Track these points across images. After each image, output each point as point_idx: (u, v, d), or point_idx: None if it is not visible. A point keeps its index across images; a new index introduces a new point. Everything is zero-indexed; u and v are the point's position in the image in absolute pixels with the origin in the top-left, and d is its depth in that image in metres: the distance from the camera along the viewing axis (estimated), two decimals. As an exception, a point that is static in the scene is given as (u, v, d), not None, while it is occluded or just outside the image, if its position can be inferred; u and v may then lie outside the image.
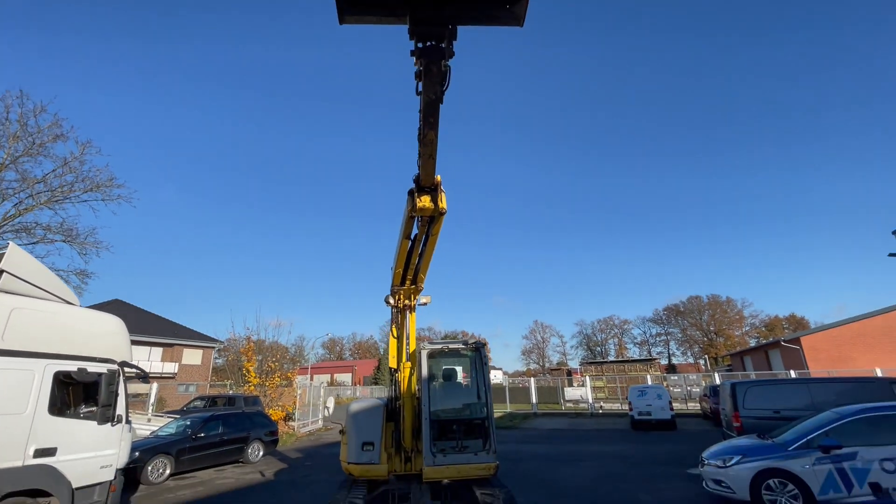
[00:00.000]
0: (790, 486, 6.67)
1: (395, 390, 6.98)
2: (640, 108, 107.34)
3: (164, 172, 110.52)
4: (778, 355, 39.13)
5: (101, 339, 7.04)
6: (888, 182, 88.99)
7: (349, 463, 6.47)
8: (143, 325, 30.71)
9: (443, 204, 5.71)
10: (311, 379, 27.88)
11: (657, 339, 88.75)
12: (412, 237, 6.28)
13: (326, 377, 65.00)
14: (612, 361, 44.48)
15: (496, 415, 24.89)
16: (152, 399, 18.71)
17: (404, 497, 6.51)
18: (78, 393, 6.78)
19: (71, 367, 6.38)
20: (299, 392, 19.90)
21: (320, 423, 22.76)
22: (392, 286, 7.26)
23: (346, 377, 73.37)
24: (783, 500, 6.67)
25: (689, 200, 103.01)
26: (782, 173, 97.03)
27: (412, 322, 7.47)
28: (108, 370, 6.84)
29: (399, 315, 7.41)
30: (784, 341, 38.47)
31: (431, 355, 6.83)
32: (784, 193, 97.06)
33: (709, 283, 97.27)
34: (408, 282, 7.14)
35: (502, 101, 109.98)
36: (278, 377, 19.77)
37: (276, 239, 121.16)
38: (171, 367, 31.60)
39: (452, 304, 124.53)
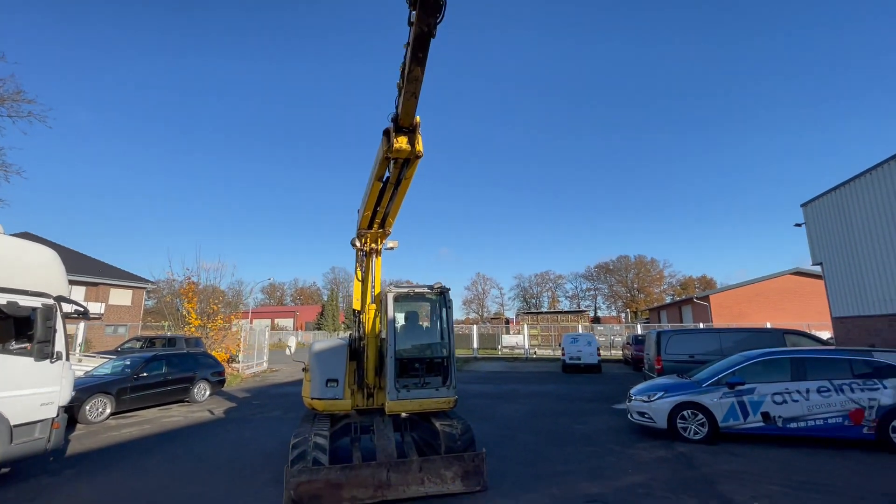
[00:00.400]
0: (700, 416, 7.85)
1: (359, 331, 7.13)
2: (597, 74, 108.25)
3: (84, 96, 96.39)
4: (689, 310, 43.98)
5: (34, 271, 6.42)
6: (795, 155, 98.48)
7: (313, 398, 6.64)
8: (64, 261, 27.86)
9: (419, 147, 5.64)
10: (252, 322, 27.15)
11: (587, 293, 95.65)
12: (384, 180, 6.20)
13: (267, 322, 63.89)
14: (546, 312, 47.68)
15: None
16: (80, 339, 17.46)
17: (366, 429, 6.87)
18: (9, 328, 6.24)
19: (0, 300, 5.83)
20: (243, 335, 19.52)
21: (265, 364, 22.66)
22: (358, 229, 7.19)
23: (287, 322, 72.53)
24: (693, 427, 7.86)
25: (625, 164, 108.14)
26: (707, 153, 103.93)
27: (378, 266, 7.51)
28: (43, 304, 6.32)
29: (365, 258, 7.41)
30: (696, 299, 43.18)
31: (397, 298, 6.99)
32: (707, 173, 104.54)
33: (638, 244, 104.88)
34: (375, 225, 7.10)
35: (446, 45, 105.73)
36: (221, 319, 19.18)
37: (214, 181, 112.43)
38: (96, 308, 29.36)
39: (399, 254, 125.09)
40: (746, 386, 7.72)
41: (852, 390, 7.22)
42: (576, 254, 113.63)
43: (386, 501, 5.27)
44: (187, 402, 12.46)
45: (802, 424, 7.35)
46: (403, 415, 6.85)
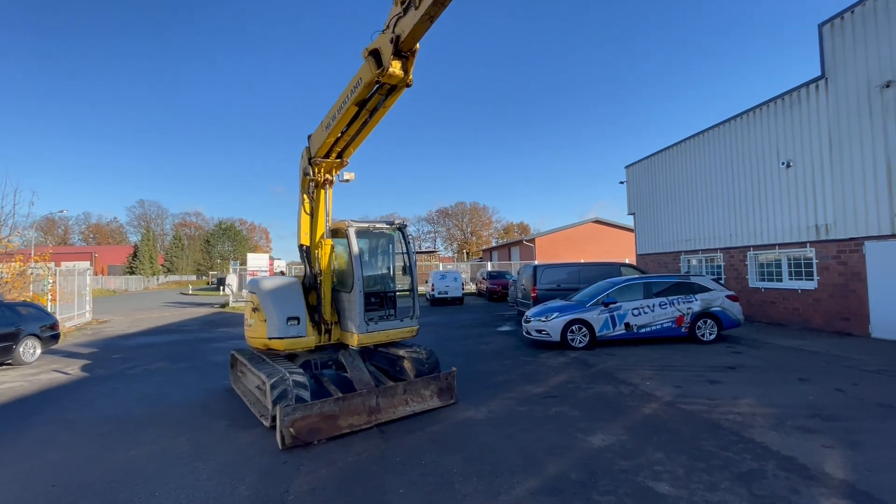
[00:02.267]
0: (584, 329, 10.02)
1: (312, 267, 6.70)
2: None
3: None
4: (518, 251, 51.38)
5: None
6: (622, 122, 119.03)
7: (271, 338, 6.15)
8: None
9: (411, 76, 5.46)
10: (59, 265, 20.74)
11: (427, 235, 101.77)
12: (362, 105, 5.79)
13: (86, 264, 49.70)
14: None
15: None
16: None
17: (325, 364, 6.77)
18: None
19: None
20: (54, 280, 15.24)
21: (88, 315, 18.41)
22: (313, 157, 6.57)
23: (82, 266, 57.84)
24: (578, 338, 10.01)
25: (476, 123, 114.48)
26: (546, 121, 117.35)
27: (329, 199, 7.00)
28: None
29: (315, 189, 6.84)
30: (525, 240, 50.52)
31: (359, 233, 6.77)
32: (546, 138, 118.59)
33: (474, 190, 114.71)
34: (333, 154, 6.61)
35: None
36: (19, 261, 14.48)
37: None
38: None
39: (223, 190, 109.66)
40: (616, 304, 10.12)
41: (678, 303, 10.21)
42: (420, 199, 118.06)
43: (380, 424, 5.53)
44: (10, 364, 9.63)
45: (649, 329, 10.13)
46: (370, 346, 6.93)
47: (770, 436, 4.79)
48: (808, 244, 11.96)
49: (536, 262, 13.06)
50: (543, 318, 10.29)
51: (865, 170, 10.43)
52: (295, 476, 4.21)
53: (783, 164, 12.48)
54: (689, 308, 10.19)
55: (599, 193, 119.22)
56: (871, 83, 10.23)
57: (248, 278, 6.27)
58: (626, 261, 23.03)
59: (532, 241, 48.61)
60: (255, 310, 6.37)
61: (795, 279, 12.45)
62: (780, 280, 12.86)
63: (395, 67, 5.24)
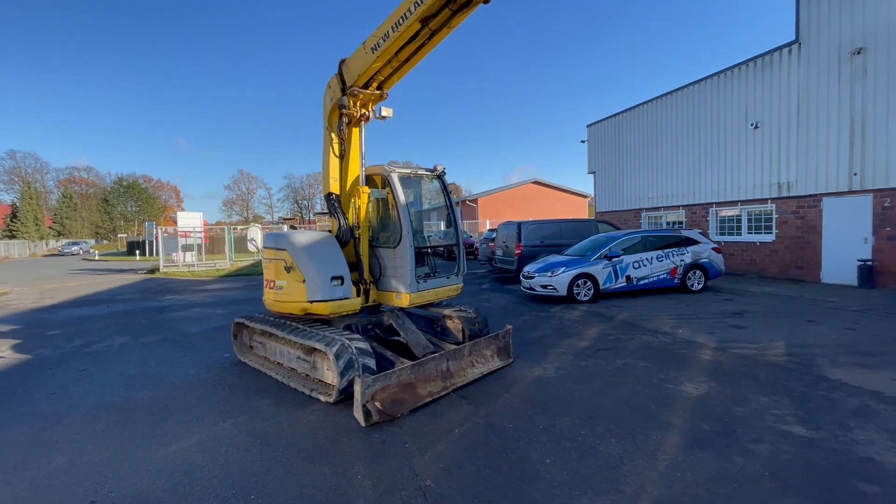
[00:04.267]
0: (588, 283, 10.10)
1: (344, 219, 5.72)
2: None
3: None
4: (460, 210, 51.53)
5: None
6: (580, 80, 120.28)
7: (314, 301, 5.21)
8: None
9: None
10: None
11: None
12: (425, 22, 4.84)
13: None
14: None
15: (245, 263, 23.04)
16: None
17: (366, 329, 5.99)
18: None
19: None
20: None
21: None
22: (350, 86, 5.47)
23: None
24: (584, 291, 10.09)
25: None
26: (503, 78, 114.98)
27: (362, 139, 5.94)
28: None
29: (347, 127, 5.77)
30: (468, 200, 50.59)
31: (402, 180, 5.89)
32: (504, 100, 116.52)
33: (403, 150, 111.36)
34: (374, 84, 5.57)
35: None
36: None
37: None
38: None
39: (114, 141, 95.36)
40: (619, 258, 10.29)
41: (673, 255, 10.65)
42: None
43: (455, 389, 5.02)
44: None
45: (646, 281, 10.49)
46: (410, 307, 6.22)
47: (839, 373, 5.07)
48: (769, 200, 13.05)
49: (520, 220, 12.90)
50: (549, 273, 10.18)
51: (830, 131, 11.39)
52: (410, 456, 3.61)
53: (752, 124, 13.29)
54: (681, 260, 10.68)
55: (523, 158, 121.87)
56: (843, 49, 11.00)
57: (261, 234, 5.16)
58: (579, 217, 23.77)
59: (475, 200, 48.77)
60: (287, 269, 5.32)
61: (755, 233, 13.64)
62: (740, 234, 14.02)
63: (479, -24, 4.39)
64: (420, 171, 6.25)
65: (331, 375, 4.81)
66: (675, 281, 10.67)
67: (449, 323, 6.50)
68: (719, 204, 14.68)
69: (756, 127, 13.20)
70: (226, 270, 20.67)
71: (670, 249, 10.68)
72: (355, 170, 5.98)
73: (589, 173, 21.60)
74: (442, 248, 6.53)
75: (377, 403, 4.24)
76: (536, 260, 12.04)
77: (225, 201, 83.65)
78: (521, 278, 11.03)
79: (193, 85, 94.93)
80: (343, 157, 5.91)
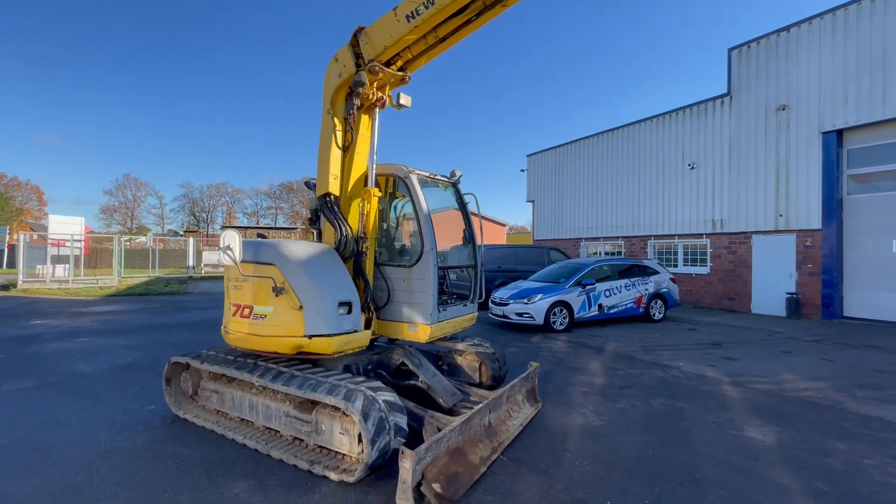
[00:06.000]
0: (564, 311, 9.66)
1: (347, 228, 4.42)
2: None
3: None
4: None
5: None
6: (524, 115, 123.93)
7: (316, 336, 3.79)
8: None
9: None
10: None
11: (267, 211, 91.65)
12: None
13: None
14: (262, 227, 42.91)
15: (138, 280, 19.26)
16: None
17: (370, 368, 4.65)
18: None
19: None
20: None
21: None
22: (371, 60, 4.33)
23: None
24: (560, 319, 9.60)
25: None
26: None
27: (375, 131, 4.73)
28: None
29: (357, 113, 4.57)
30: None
31: (422, 184, 4.78)
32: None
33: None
34: (399, 62, 4.51)
35: None
36: None
37: None
38: None
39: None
40: (592, 285, 10.04)
41: (638, 284, 10.72)
42: (259, 169, 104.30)
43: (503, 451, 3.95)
44: None
45: (616, 310, 10.37)
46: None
47: (872, 409, 4.98)
48: (704, 235, 14.08)
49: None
50: (526, 300, 9.56)
51: (758, 176, 12.65)
52: (514, 571, 2.47)
53: (689, 165, 14.39)
54: (645, 289, 10.80)
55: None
56: (769, 105, 12.39)
57: (240, 242, 3.65)
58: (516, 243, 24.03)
59: (399, 223, 47.76)
60: (277, 290, 3.85)
61: (691, 265, 14.59)
62: (676, 266, 14.92)
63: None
64: (437, 176, 5.22)
65: (347, 442, 3.45)
66: (640, 310, 10.72)
67: (459, 359, 5.42)
68: (657, 237, 15.59)
69: (692, 167, 14.32)
70: (112, 289, 16.91)
71: (636, 278, 10.76)
72: (361, 166, 4.76)
73: (528, 201, 22.00)
74: (462, 270, 5.47)
75: (435, 485, 3.02)
76: (498, 286, 11.45)
77: (104, 208, 71.48)
78: (491, 304, 10.27)
79: (66, 75, 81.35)
80: (347, 149, 4.66)
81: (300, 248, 4.12)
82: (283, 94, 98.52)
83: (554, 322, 9.54)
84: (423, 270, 4.51)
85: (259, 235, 5.30)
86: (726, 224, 13.44)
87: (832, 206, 11.23)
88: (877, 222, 10.79)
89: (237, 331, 4.15)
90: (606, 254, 17.72)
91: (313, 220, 5.20)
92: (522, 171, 22.26)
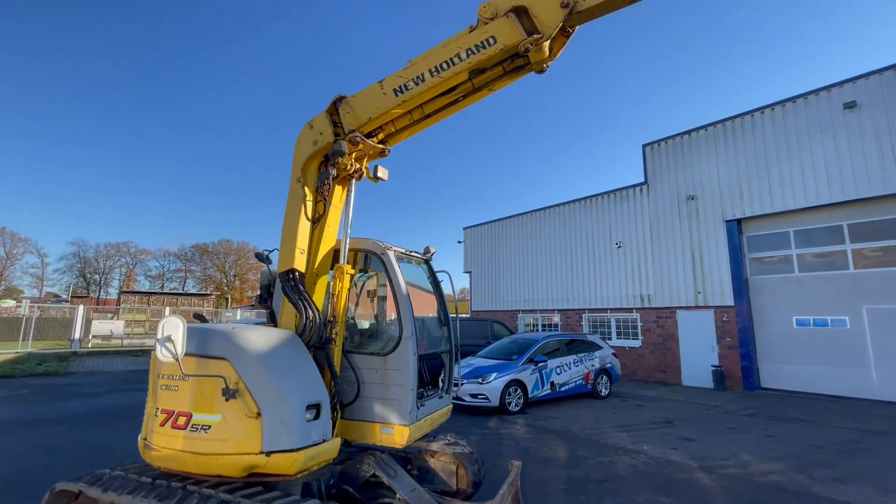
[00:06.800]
0: (519, 391, 9.29)
1: (314, 310, 3.79)
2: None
3: None
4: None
5: None
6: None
7: (276, 452, 2.97)
8: None
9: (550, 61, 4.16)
10: None
11: (175, 274, 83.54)
12: (473, 75, 4.02)
13: None
14: (166, 293, 38.21)
15: (2, 356, 15.75)
16: None
17: (331, 483, 3.79)
18: None
19: None
20: None
21: None
22: (352, 130, 4.06)
23: None
24: (514, 400, 9.18)
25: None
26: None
27: (349, 203, 4.32)
28: None
29: (330, 184, 4.18)
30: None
31: (401, 261, 4.37)
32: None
33: (243, 230, 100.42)
34: (381, 135, 4.29)
35: None
36: None
37: None
38: None
39: None
40: (544, 362, 9.88)
41: (586, 360, 10.78)
42: (169, 230, 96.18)
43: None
44: None
45: (567, 387, 10.22)
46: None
47: (834, 491, 5.08)
48: (634, 310, 14.93)
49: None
50: (480, 380, 9.07)
51: (677, 256, 13.96)
52: None
53: (616, 244, 15.57)
54: (592, 365, 10.88)
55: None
56: (680, 194, 14.07)
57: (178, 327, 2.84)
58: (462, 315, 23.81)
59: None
60: (228, 393, 3.05)
61: (624, 339, 15.23)
62: (611, 339, 15.49)
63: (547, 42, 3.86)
64: (412, 253, 4.86)
65: None
66: (588, 386, 10.70)
67: (433, 462, 4.72)
68: (591, 310, 16.26)
69: (619, 246, 15.51)
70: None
71: (583, 354, 10.85)
72: (331, 240, 4.28)
73: (465, 272, 22.21)
74: (445, 353, 4.97)
75: None
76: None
77: (-39, 265, 59.97)
78: (442, 385, 9.60)
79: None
80: (318, 221, 4.18)
81: (260, 336, 3.41)
82: (191, 155, 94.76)
83: (509, 403, 9.08)
84: (400, 360, 3.97)
85: (197, 317, 4.43)
86: (653, 299, 14.43)
87: (740, 286, 12.57)
88: (778, 301, 12.21)
89: (165, 446, 3.19)
90: (543, 326, 18.04)
91: (264, 298, 4.52)
92: (459, 242, 22.71)
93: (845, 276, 11.28)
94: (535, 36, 3.75)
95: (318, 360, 3.79)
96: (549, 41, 3.92)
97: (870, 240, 10.97)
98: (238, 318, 28.33)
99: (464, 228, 22.60)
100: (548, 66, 4.15)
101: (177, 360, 2.92)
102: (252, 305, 60.49)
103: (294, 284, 3.93)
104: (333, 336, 3.90)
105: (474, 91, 4.20)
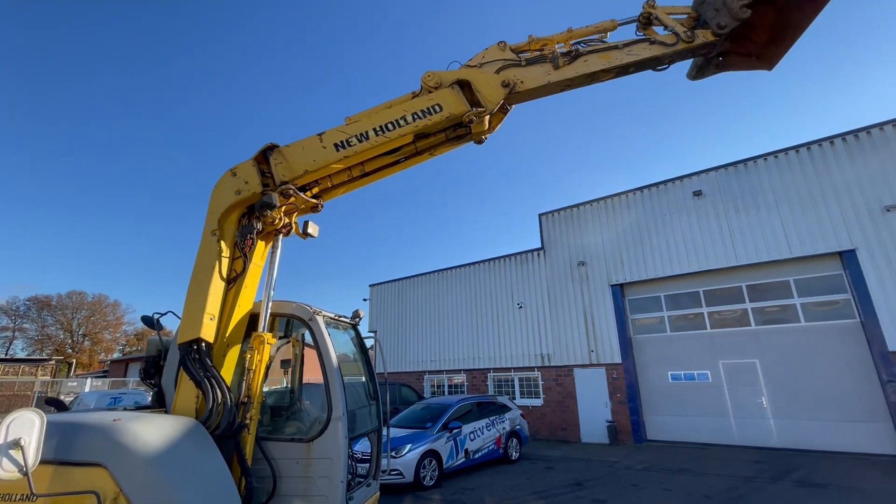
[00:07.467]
0: (433, 461, 8.74)
1: (225, 391, 3.10)
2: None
3: None
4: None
5: None
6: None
7: None
8: None
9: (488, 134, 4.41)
10: None
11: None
12: (418, 139, 4.06)
13: None
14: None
15: None
16: None
17: None
18: None
19: None
20: None
21: None
22: (284, 182, 3.71)
23: None
24: (430, 472, 8.59)
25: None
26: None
27: (276, 261, 3.78)
28: None
29: (254, 239, 3.69)
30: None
31: (329, 327, 3.88)
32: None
33: (98, 281, 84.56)
34: (315, 190, 4.01)
35: None
36: None
37: None
38: None
39: None
40: (458, 429, 9.53)
41: (497, 423, 10.67)
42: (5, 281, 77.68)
43: None
44: None
45: (481, 454, 9.90)
46: None
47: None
48: (535, 368, 15.51)
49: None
50: (393, 453, 8.35)
51: (572, 317, 15.09)
52: None
53: (518, 304, 16.37)
54: (503, 428, 10.80)
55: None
56: (573, 260, 15.53)
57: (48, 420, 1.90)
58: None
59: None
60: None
61: (527, 397, 15.59)
62: (515, 398, 15.75)
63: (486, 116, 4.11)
64: (340, 318, 4.42)
65: None
66: (500, 451, 10.52)
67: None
68: (496, 369, 16.52)
69: (521, 307, 16.33)
70: None
71: (494, 417, 10.75)
72: (248, 303, 3.72)
73: (370, 332, 21.21)
74: (372, 432, 4.40)
75: None
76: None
77: None
78: (349, 462, 8.62)
79: None
80: (234, 281, 3.61)
81: (150, 429, 2.66)
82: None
83: (423, 477, 8.45)
84: (328, 446, 3.43)
85: (51, 402, 3.39)
86: (552, 358, 15.21)
87: (626, 344, 13.92)
88: (656, 357, 13.72)
89: None
90: (449, 387, 17.75)
91: (150, 374, 3.69)
92: (365, 300, 21.92)
93: (704, 335, 13.18)
94: (478, 109, 3.94)
95: (224, 451, 3.09)
96: (489, 115, 4.13)
97: (720, 304, 13.10)
98: (87, 388, 22.94)
99: (370, 286, 21.98)
100: (486, 138, 4.35)
101: (25, 474, 2.10)
102: (104, 372, 49.96)
103: (199, 358, 3.26)
104: (247, 421, 3.24)
105: (416, 154, 4.21)
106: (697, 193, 13.52)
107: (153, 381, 3.69)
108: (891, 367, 10.11)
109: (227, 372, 3.45)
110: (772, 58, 4.34)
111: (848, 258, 11.07)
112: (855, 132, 11.53)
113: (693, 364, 13.12)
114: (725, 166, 13.32)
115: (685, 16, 4.21)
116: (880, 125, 11.25)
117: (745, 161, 12.97)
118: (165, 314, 3.96)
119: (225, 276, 3.53)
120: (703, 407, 12.67)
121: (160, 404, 3.54)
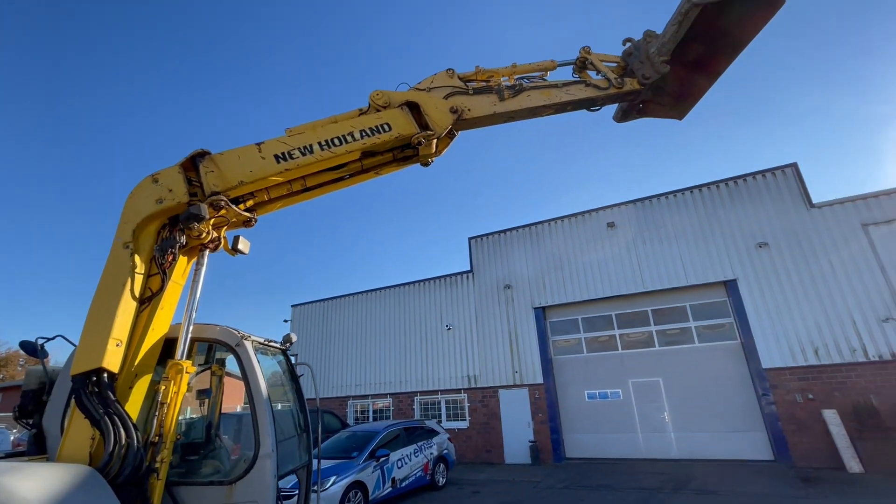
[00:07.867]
0: (359, 493, 8.26)
1: (129, 431, 2.63)
2: None
3: None
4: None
5: None
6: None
7: None
8: None
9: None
10: None
11: None
12: (364, 157, 3.99)
13: None
14: None
15: None
16: None
17: None
18: None
19: None
20: None
21: None
22: (215, 192, 3.40)
23: None
24: (354, 506, 8.10)
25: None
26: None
27: (200, 279, 3.35)
28: None
29: (176, 252, 3.29)
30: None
31: (258, 353, 3.51)
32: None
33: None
34: (249, 203, 3.72)
35: None
36: None
37: None
38: None
39: None
40: (386, 456, 9.14)
41: (425, 449, 10.42)
42: None
43: None
44: None
45: (408, 482, 9.56)
46: None
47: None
48: (462, 390, 15.55)
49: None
50: (315, 488, 7.75)
51: (498, 338, 15.47)
52: None
53: (447, 326, 16.43)
54: (431, 454, 10.58)
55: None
56: (499, 283, 16.04)
57: None
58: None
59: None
60: None
61: (453, 420, 15.51)
62: (441, 421, 15.59)
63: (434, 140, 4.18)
64: (270, 343, 4.07)
65: None
66: (427, 478, 10.27)
67: None
68: (423, 392, 16.28)
69: (449, 328, 16.41)
70: None
71: (421, 442, 10.50)
72: (163, 327, 3.30)
73: (291, 355, 19.87)
74: (302, 467, 4.01)
75: None
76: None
77: None
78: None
79: None
80: (148, 301, 3.18)
81: (27, 484, 2.18)
82: None
83: (348, 512, 7.94)
84: (254, 488, 3.08)
85: None
86: (479, 380, 15.39)
87: (547, 365, 14.55)
88: (574, 377, 14.48)
89: None
90: (374, 412, 17.12)
91: (28, 412, 3.11)
92: (286, 321, 20.58)
93: (615, 355, 14.22)
94: (427, 132, 3.96)
95: (126, 502, 2.63)
96: (437, 139, 4.17)
97: (630, 327, 14.27)
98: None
99: (292, 306, 20.73)
100: (432, 161, 4.37)
101: None
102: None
103: (99, 392, 2.78)
104: (157, 464, 2.80)
105: (362, 172, 4.10)
106: (611, 225, 14.79)
107: (30, 423, 3.07)
108: (765, 382, 11.68)
109: (134, 407, 2.98)
110: (682, 110, 4.97)
111: (731, 287, 12.73)
112: (734, 179, 13.49)
113: (606, 383, 14.04)
114: (634, 201, 14.77)
115: (615, 64, 4.67)
116: (753, 174, 13.29)
117: (650, 197, 14.50)
118: (52, 339, 3.36)
119: (138, 295, 3.08)
120: (615, 424, 13.54)
121: (39, 449, 2.95)
